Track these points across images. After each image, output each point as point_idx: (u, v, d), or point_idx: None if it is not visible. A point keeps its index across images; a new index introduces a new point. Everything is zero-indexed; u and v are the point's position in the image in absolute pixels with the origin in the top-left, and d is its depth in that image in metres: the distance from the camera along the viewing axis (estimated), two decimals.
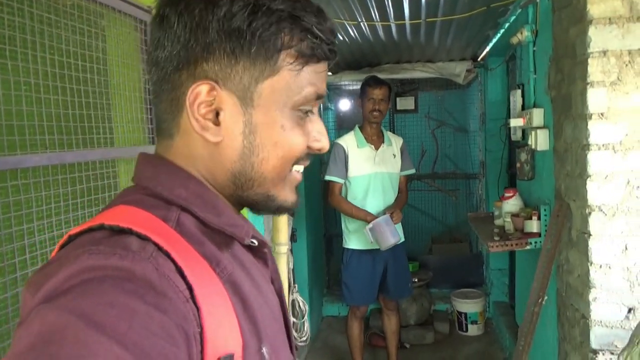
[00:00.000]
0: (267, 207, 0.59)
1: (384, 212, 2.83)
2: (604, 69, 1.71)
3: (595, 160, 1.73)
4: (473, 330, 3.83)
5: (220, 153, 0.54)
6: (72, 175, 1.40)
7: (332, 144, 2.84)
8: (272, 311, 0.60)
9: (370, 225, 2.70)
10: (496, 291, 4.02)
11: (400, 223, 2.92)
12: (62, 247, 0.49)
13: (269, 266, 0.65)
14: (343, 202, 2.91)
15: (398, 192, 3.00)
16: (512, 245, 2.33)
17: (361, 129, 3.01)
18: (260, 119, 0.53)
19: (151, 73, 0.56)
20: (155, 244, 0.46)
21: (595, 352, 1.77)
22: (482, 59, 3.89)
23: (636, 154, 1.71)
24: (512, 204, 2.62)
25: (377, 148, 2.92)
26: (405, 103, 4.72)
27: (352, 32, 3.17)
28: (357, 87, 4.98)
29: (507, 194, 2.66)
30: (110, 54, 1.67)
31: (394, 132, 4.99)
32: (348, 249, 2.97)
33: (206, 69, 0.52)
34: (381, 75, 4.21)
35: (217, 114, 0.53)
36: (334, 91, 5.37)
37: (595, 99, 1.72)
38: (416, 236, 4.89)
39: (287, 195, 0.59)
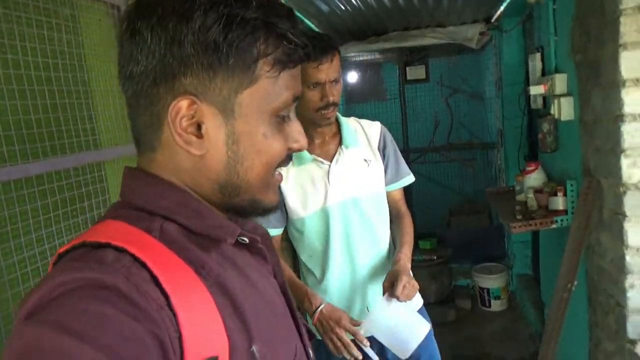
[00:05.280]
0: (254, 211, 0.60)
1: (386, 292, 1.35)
2: (639, 27, 1.50)
3: (630, 133, 1.53)
4: (496, 305, 3.69)
5: (205, 165, 0.55)
6: (52, 185, 1.29)
7: None
8: (272, 307, 0.61)
9: (363, 329, 1.29)
10: (519, 264, 3.86)
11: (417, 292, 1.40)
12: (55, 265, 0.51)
13: (269, 261, 0.65)
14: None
15: (395, 223, 1.59)
16: (536, 224, 2.16)
17: None
18: (243, 129, 0.54)
19: (125, 87, 0.55)
20: (132, 255, 0.47)
21: (632, 342, 1.62)
22: (496, 20, 3.62)
23: None
24: (534, 178, 2.43)
25: (330, 158, 1.49)
26: (416, 72, 4.48)
27: (355, 0, 2.95)
28: (365, 57, 4.77)
29: (528, 168, 2.48)
30: (86, 47, 1.52)
31: (402, 107, 4.73)
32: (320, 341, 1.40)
33: (185, 83, 0.52)
34: (388, 45, 4.00)
35: (199, 127, 0.53)
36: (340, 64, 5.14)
37: (630, 62, 1.51)
38: (433, 210, 4.73)
39: (271, 197, 0.60)
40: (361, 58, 4.72)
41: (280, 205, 1.44)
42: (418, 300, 1.60)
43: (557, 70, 2.26)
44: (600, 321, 1.87)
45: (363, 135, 1.55)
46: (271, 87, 0.54)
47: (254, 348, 0.53)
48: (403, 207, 1.63)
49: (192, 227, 0.54)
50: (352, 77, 5.18)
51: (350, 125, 1.55)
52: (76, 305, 0.42)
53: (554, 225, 2.14)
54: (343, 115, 1.56)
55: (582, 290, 2.02)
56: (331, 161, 1.48)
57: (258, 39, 0.52)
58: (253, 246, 0.62)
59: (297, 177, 1.47)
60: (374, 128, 1.58)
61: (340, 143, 1.50)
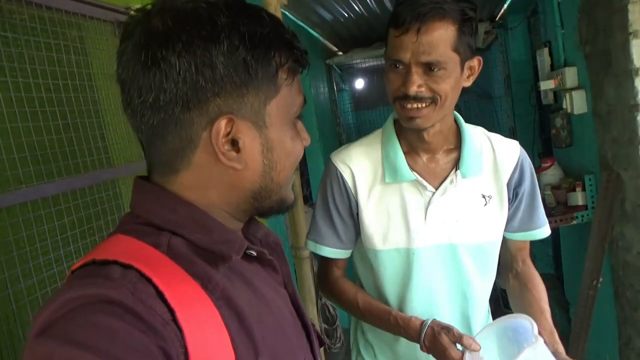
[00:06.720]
0: (280, 210, 0.62)
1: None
2: None
3: None
4: None
5: (242, 177, 0.56)
6: (67, 205, 1.29)
7: (326, 164, 1.15)
8: (280, 319, 0.61)
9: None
10: (540, 263, 3.78)
11: None
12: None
13: (280, 271, 0.66)
14: (353, 295, 1.13)
15: (521, 283, 1.13)
16: (556, 221, 2.11)
17: (398, 130, 1.11)
18: (274, 136, 0.57)
19: (145, 117, 0.54)
20: (138, 271, 0.48)
21: None
22: (500, 18, 3.59)
23: None
24: (551, 174, 2.38)
25: (437, 183, 1.07)
26: None
27: (357, 6, 2.96)
28: (370, 64, 4.76)
29: (544, 164, 2.43)
30: (95, 67, 1.53)
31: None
32: None
33: (219, 104, 0.53)
34: None
35: (233, 142, 0.54)
36: (346, 71, 5.14)
37: None
38: None
39: (290, 194, 0.63)
40: (367, 64, 4.71)
41: (355, 225, 1.12)
42: None
43: (566, 64, 2.22)
44: (629, 317, 1.81)
45: (491, 158, 1.08)
46: (289, 93, 0.57)
47: None
48: (528, 260, 1.16)
49: (198, 242, 0.54)
50: (359, 83, 5.19)
51: (476, 141, 1.08)
52: (85, 320, 0.43)
53: (574, 222, 2.09)
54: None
55: (608, 286, 1.96)
56: (437, 188, 1.05)
57: (275, 51, 0.55)
58: (264, 257, 0.62)
59: (385, 197, 1.07)
60: (510, 153, 1.08)
61: (456, 167, 1.06)
